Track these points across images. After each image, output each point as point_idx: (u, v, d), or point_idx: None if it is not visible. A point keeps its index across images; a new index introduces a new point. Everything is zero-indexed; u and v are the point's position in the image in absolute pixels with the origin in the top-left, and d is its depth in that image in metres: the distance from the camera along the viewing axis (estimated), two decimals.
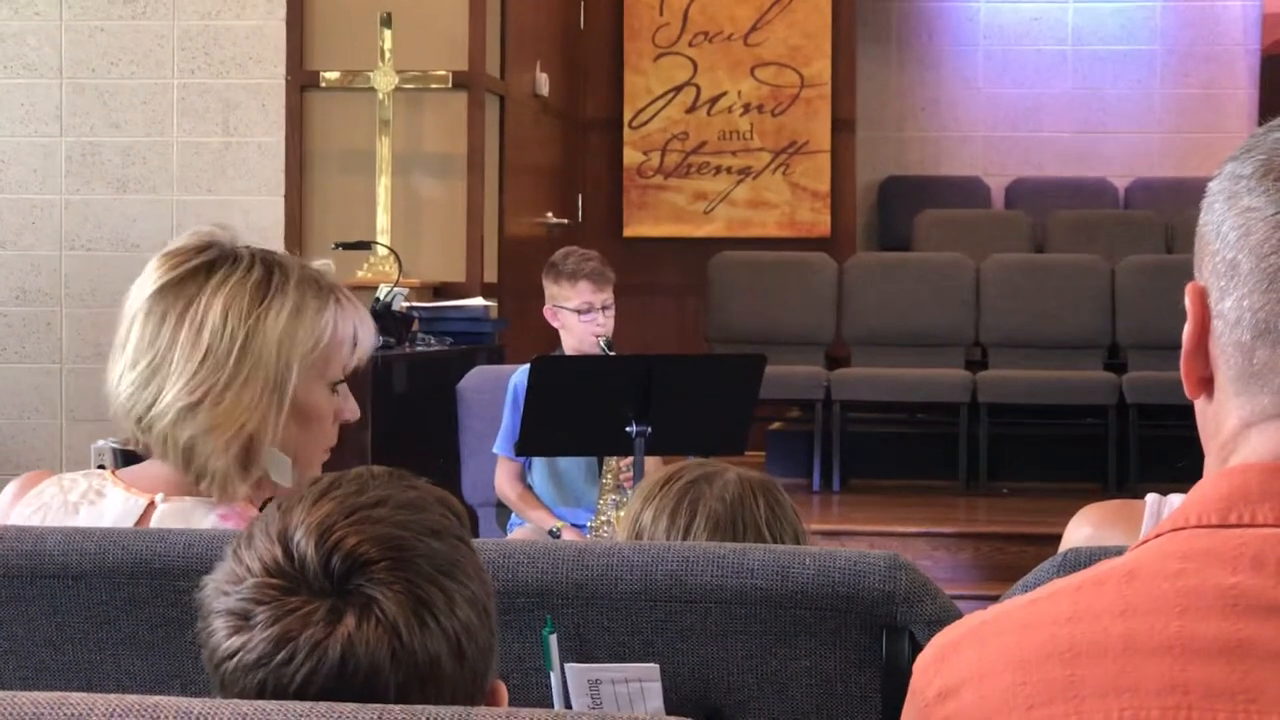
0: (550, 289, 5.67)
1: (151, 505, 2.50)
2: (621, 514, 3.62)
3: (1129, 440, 8.80)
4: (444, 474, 5.87)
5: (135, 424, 2.49)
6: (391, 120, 8.01)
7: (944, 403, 9.09)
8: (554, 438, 5.25)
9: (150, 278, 2.52)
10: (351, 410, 2.60)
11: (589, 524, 5.49)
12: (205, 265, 2.50)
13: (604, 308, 5.62)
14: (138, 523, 2.48)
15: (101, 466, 2.61)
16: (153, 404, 2.47)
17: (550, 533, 5.53)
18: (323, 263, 2.64)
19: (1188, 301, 1.42)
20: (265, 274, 2.51)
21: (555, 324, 5.69)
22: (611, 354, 5.53)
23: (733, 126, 10.82)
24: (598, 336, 5.57)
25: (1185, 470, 1.44)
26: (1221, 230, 1.40)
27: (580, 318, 5.59)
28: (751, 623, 2.20)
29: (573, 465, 5.68)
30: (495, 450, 5.71)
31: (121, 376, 2.49)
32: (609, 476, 5.48)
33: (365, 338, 2.61)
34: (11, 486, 2.61)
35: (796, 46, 10.78)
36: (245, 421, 2.47)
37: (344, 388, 2.59)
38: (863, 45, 11.38)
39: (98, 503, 2.52)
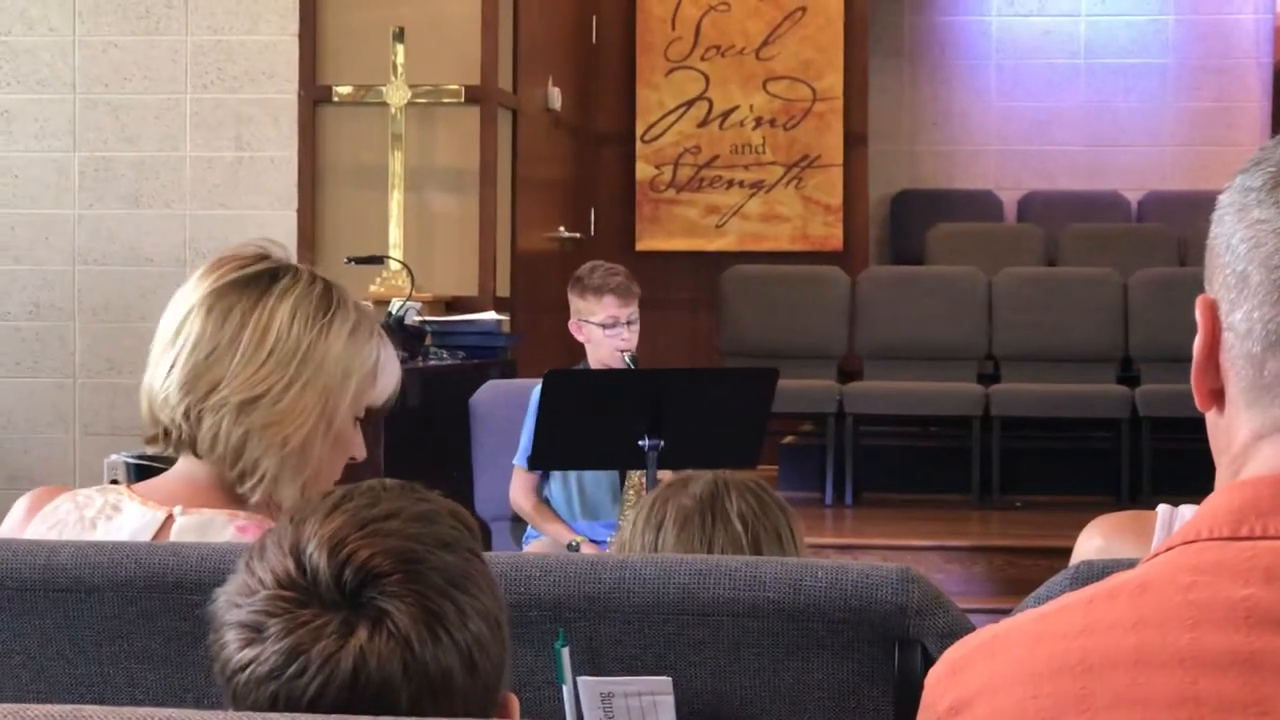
0: (575, 303, 5.67)
1: (170, 518, 2.49)
2: None
3: (1141, 453, 8.79)
4: (457, 488, 5.87)
5: (182, 416, 2.48)
6: (404, 134, 8.02)
7: (956, 416, 9.08)
8: (567, 452, 5.25)
9: (209, 278, 2.51)
10: (360, 449, 2.61)
11: (608, 539, 5.48)
12: (269, 272, 2.52)
13: (629, 322, 5.62)
14: (156, 536, 2.47)
15: (115, 481, 2.60)
16: (207, 396, 2.46)
17: (569, 546, 5.51)
18: (363, 302, 2.66)
19: (1198, 314, 1.42)
20: (325, 289, 2.54)
21: (580, 338, 5.68)
22: (636, 369, 5.52)
23: (745, 140, 10.82)
24: (622, 351, 5.56)
25: (1202, 489, 1.44)
26: (1231, 243, 1.40)
27: (605, 332, 5.60)
28: (764, 636, 2.20)
29: (597, 479, 5.68)
30: (515, 462, 5.71)
31: (172, 368, 2.48)
32: (632, 492, 5.47)
33: (394, 379, 2.64)
34: (23, 502, 2.59)
35: (809, 60, 10.78)
36: (299, 425, 2.47)
37: (358, 425, 2.60)
38: (875, 59, 11.38)
39: (114, 518, 2.51)
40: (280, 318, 2.48)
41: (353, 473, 2.59)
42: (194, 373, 2.47)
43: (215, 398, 2.46)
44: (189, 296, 2.52)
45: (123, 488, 2.56)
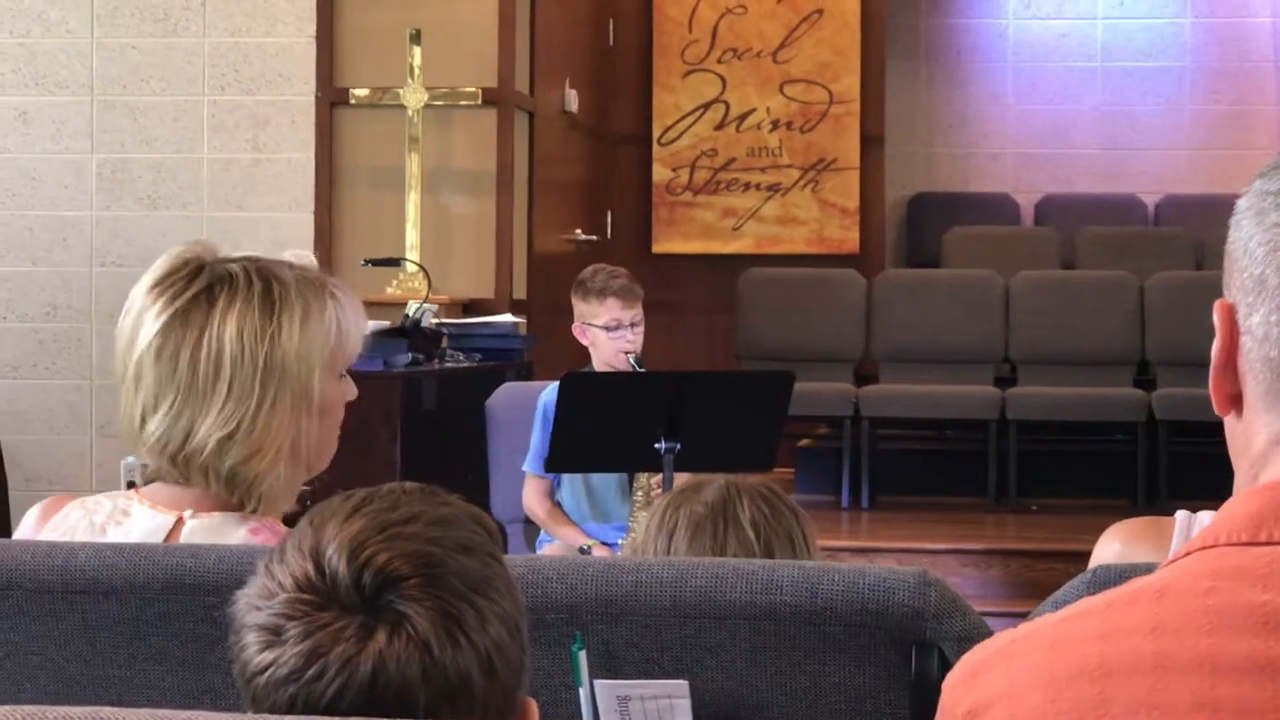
0: (579, 306, 5.66)
1: (180, 521, 2.49)
2: None
3: (1158, 457, 8.78)
4: (473, 490, 5.87)
5: (169, 461, 2.48)
6: (421, 137, 8.02)
7: (973, 419, 9.07)
8: (584, 454, 5.25)
9: (149, 312, 2.48)
10: (352, 391, 2.60)
11: (619, 541, 5.48)
12: (205, 291, 2.47)
13: (633, 324, 5.60)
14: (166, 539, 2.47)
15: (132, 484, 2.60)
16: (186, 439, 2.44)
17: (581, 550, 5.52)
18: (296, 253, 2.61)
19: (1216, 318, 1.42)
20: (265, 287, 2.48)
21: (584, 341, 5.68)
22: (641, 371, 5.52)
23: (761, 143, 10.82)
24: (627, 353, 5.56)
25: (1225, 496, 1.43)
26: (1249, 246, 1.40)
27: (609, 335, 5.58)
28: (781, 639, 2.20)
29: (605, 480, 5.67)
30: (524, 468, 5.71)
31: (145, 418, 2.46)
32: (640, 494, 5.47)
33: (363, 324, 2.62)
34: (34, 512, 2.59)
35: (825, 63, 10.78)
36: (281, 438, 2.46)
37: (345, 375, 2.59)
38: (891, 62, 11.37)
39: (124, 522, 2.50)
40: (228, 344, 2.44)
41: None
42: (167, 422, 2.44)
43: (194, 442, 2.44)
44: (137, 334, 2.49)
45: (131, 493, 2.56)
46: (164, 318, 2.46)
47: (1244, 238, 1.41)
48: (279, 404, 2.46)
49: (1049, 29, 12.12)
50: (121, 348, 2.50)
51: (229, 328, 2.45)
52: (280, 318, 2.47)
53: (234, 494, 2.47)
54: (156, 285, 2.49)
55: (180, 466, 2.47)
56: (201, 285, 2.47)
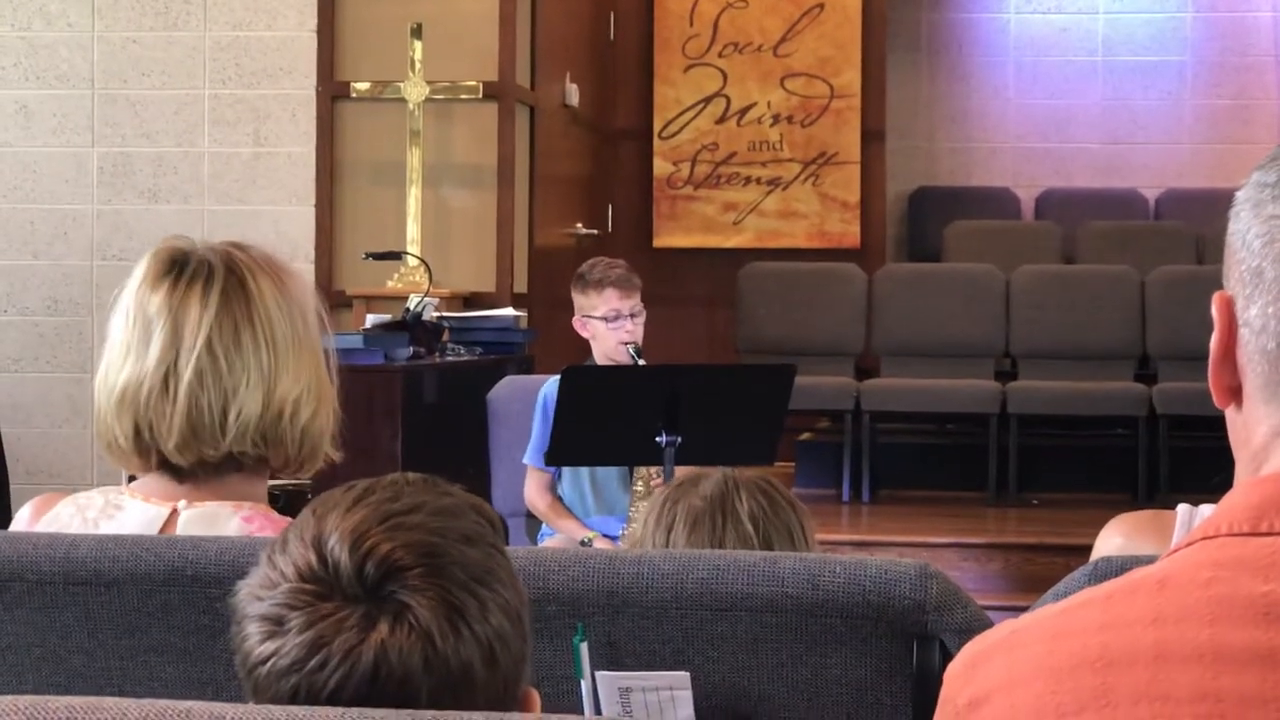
0: (578, 299, 5.67)
1: (174, 513, 2.48)
2: None
3: (1159, 451, 8.78)
4: (474, 483, 5.85)
5: (251, 443, 2.45)
6: (422, 130, 8.02)
7: (974, 413, 9.08)
8: (584, 448, 5.25)
9: (187, 314, 2.45)
10: None
11: (620, 532, 5.48)
12: (227, 273, 2.47)
13: (632, 314, 5.60)
14: (161, 531, 2.47)
15: (133, 478, 2.59)
16: (266, 410, 2.44)
17: (582, 543, 5.52)
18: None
19: (1214, 310, 1.42)
20: (262, 256, 2.53)
21: (585, 334, 5.68)
22: (640, 361, 5.52)
23: (762, 137, 10.81)
24: (626, 344, 5.56)
25: (1220, 485, 1.43)
26: (1247, 239, 1.40)
27: (608, 325, 5.58)
28: (782, 631, 2.20)
29: (607, 472, 5.67)
30: (525, 461, 5.71)
31: (227, 409, 2.43)
32: (640, 485, 5.47)
33: None
34: (25, 512, 2.59)
35: (826, 57, 10.77)
36: (325, 387, 2.51)
37: None
38: (893, 56, 11.37)
39: (116, 516, 2.50)
40: (273, 309, 2.47)
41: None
42: (254, 405, 2.43)
43: (272, 413, 2.43)
44: (178, 340, 2.45)
45: (122, 487, 2.56)
46: (211, 309, 2.46)
47: (1242, 230, 1.41)
48: (317, 352, 2.51)
49: (1050, 23, 12.11)
50: (156, 360, 2.46)
51: (266, 296, 2.48)
52: (286, 278, 2.52)
53: (301, 454, 2.49)
54: (175, 285, 2.48)
55: (258, 444, 2.46)
56: (221, 270, 2.48)
